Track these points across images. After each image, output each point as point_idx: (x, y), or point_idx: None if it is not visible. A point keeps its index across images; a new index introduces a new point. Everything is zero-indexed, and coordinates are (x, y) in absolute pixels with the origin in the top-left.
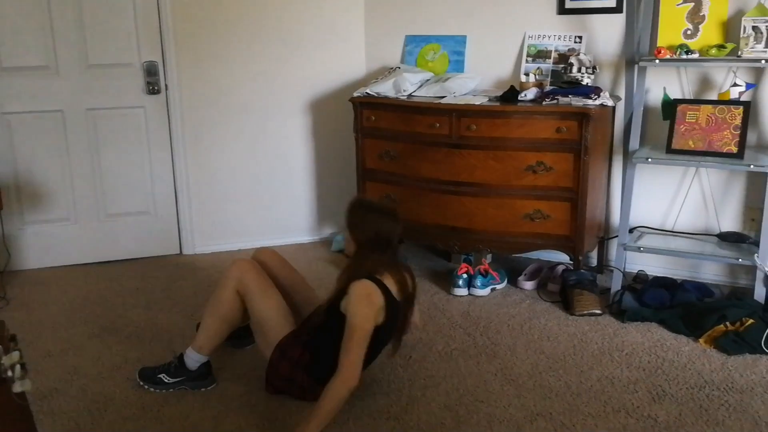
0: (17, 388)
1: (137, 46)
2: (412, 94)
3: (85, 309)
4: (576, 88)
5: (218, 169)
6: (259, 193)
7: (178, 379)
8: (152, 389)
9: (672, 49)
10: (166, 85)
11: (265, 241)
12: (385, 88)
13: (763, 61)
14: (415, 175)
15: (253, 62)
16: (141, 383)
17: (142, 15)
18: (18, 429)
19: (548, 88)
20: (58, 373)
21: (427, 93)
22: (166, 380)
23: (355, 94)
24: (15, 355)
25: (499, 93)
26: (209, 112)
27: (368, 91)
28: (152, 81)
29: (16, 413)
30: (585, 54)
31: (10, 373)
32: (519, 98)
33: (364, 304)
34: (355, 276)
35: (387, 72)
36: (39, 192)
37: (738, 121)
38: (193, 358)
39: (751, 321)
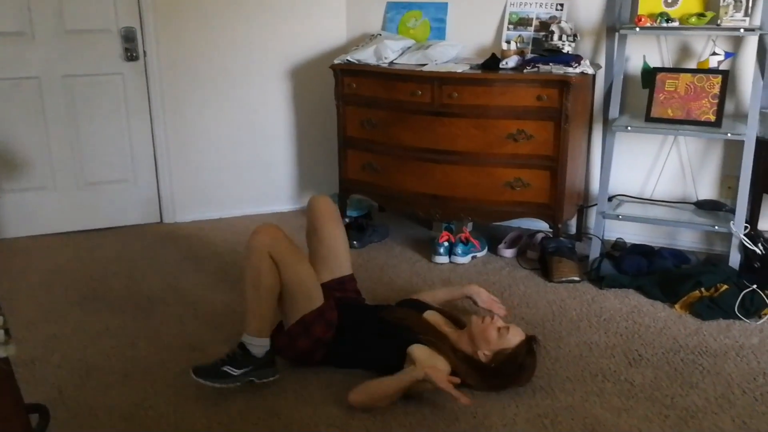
0: (1, 353)
1: (114, 11)
2: (394, 61)
3: (66, 277)
4: (557, 56)
5: (198, 137)
6: (240, 162)
7: (245, 369)
8: (217, 384)
9: (652, 17)
10: (144, 52)
11: (245, 210)
12: (366, 56)
13: (742, 30)
14: (397, 143)
15: (233, 28)
16: (201, 381)
17: None
18: (2, 394)
19: (529, 56)
20: (40, 341)
21: (409, 60)
22: (233, 372)
23: (336, 62)
24: None
25: (481, 61)
26: (189, 79)
27: (349, 58)
28: (130, 47)
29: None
30: (566, 22)
31: None
32: (500, 66)
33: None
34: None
35: (368, 39)
36: (16, 160)
37: (716, 89)
38: (258, 345)
39: (725, 287)
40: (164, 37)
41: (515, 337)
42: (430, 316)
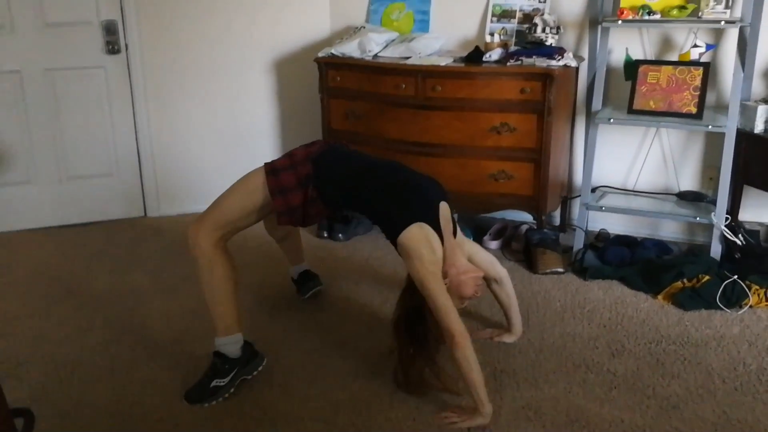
0: None
1: (95, 3)
2: (378, 54)
3: (49, 273)
4: (540, 48)
5: (182, 130)
6: (225, 154)
7: (232, 375)
8: (214, 401)
9: (634, 9)
10: (126, 45)
11: None
12: (350, 49)
13: (722, 23)
14: (381, 136)
15: (216, 21)
16: (198, 404)
17: None
18: None
19: (513, 48)
20: (24, 337)
21: (393, 53)
22: (221, 383)
23: (320, 55)
24: None
25: (464, 53)
26: (172, 72)
27: (333, 51)
28: (111, 40)
29: None
30: (549, 14)
31: None
32: (484, 59)
33: (424, 252)
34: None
35: (352, 32)
36: None
37: (698, 82)
38: (231, 342)
39: (707, 278)
40: (146, 29)
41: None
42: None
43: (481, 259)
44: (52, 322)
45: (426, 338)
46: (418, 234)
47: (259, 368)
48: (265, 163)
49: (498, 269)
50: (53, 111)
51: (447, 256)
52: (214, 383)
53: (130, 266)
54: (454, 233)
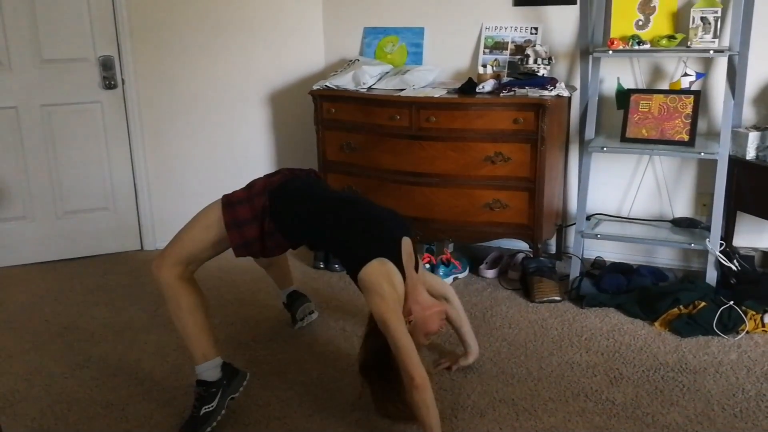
0: None
1: (92, 40)
2: (372, 86)
3: (45, 308)
4: (532, 79)
5: (178, 164)
6: (220, 187)
7: (218, 398)
8: (209, 428)
9: (624, 39)
10: (122, 80)
11: None
12: (344, 81)
13: (711, 52)
14: (376, 167)
15: (211, 55)
16: None
17: (96, 8)
18: None
19: (505, 79)
20: (21, 373)
21: (387, 85)
22: (211, 408)
23: (315, 87)
24: None
25: (458, 85)
26: (168, 106)
27: (328, 83)
28: (108, 75)
29: None
30: (541, 45)
31: None
32: (477, 90)
33: (385, 288)
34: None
35: (346, 64)
36: None
37: (689, 109)
38: (210, 368)
39: (703, 304)
40: (142, 64)
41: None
42: (406, 245)
43: (433, 283)
44: (48, 358)
45: (396, 376)
46: (379, 269)
47: (244, 383)
48: (223, 195)
49: (447, 289)
50: (50, 146)
51: (409, 293)
52: (203, 411)
53: (126, 301)
54: (416, 267)
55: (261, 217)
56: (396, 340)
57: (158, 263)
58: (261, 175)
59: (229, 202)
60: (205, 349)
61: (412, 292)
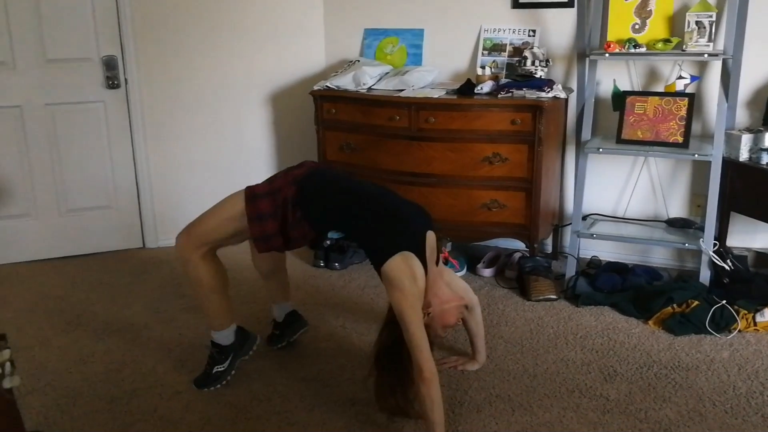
0: (7, 384)
1: (96, 40)
2: (372, 87)
3: (49, 304)
4: (530, 80)
5: (180, 162)
6: (221, 186)
7: (229, 360)
8: (219, 385)
9: (621, 42)
10: (125, 80)
11: None
12: (344, 82)
13: (706, 55)
14: (375, 167)
15: (213, 55)
16: (205, 389)
17: (100, 9)
18: (7, 421)
19: (503, 80)
20: (25, 368)
21: (387, 86)
22: (222, 368)
23: (316, 88)
24: (5, 353)
25: (457, 86)
26: (170, 105)
27: (328, 84)
28: (111, 75)
29: (5, 407)
30: (538, 47)
31: (0, 370)
32: (475, 91)
33: (406, 283)
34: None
35: (346, 65)
36: None
37: (683, 112)
38: (225, 335)
39: (696, 303)
40: (145, 64)
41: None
42: (430, 240)
43: (457, 286)
44: (53, 354)
45: (406, 371)
46: (401, 264)
47: (254, 347)
48: (246, 187)
49: (471, 296)
50: (53, 145)
51: (429, 286)
52: (215, 369)
53: (129, 297)
54: (437, 262)
55: (284, 209)
56: (410, 333)
57: (182, 244)
58: (262, 174)
59: (252, 195)
60: (222, 320)
61: (432, 285)
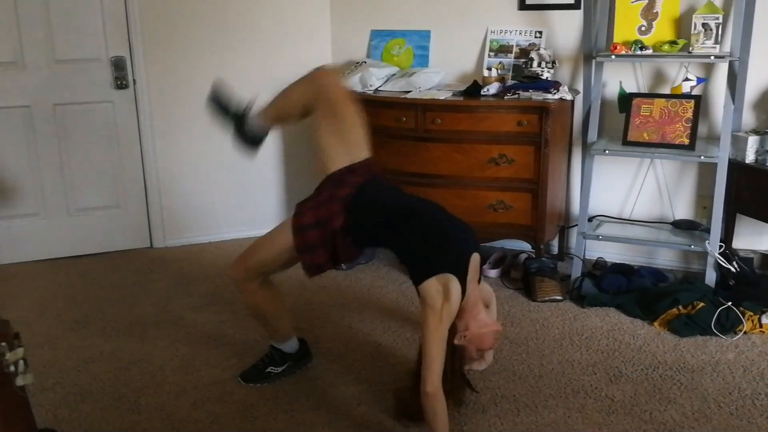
0: (20, 381)
1: (105, 41)
2: (379, 88)
3: (57, 303)
4: (536, 82)
5: (187, 163)
6: (229, 186)
7: (284, 367)
8: (260, 384)
9: (627, 44)
10: (134, 80)
11: (235, 234)
12: (351, 83)
13: (712, 57)
14: (383, 168)
15: (221, 57)
16: (250, 384)
17: (109, 10)
18: (20, 418)
19: (510, 82)
20: (34, 366)
21: (393, 87)
22: (275, 371)
23: None
24: (19, 351)
25: (463, 87)
26: (178, 106)
27: None
28: (120, 76)
29: (18, 404)
30: (545, 49)
31: (13, 368)
32: (482, 93)
33: (438, 303)
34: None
35: (353, 66)
36: (7, 187)
37: (690, 114)
38: (288, 346)
39: (701, 304)
40: (153, 65)
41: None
42: (474, 262)
43: (487, 294)
44: (62, 352)
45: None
46: (437, 287)
47: (308, 365)
48: (294, 216)
49: (491, 297)
50: (62, 145)
51: (469, 309)
52: (269, 369)
53: (136, 297)
54: (479, 281)
55: (333, 238)
56: (427, 346)
57: (239, 276)
58: (269, 173)
59: (299, 227)
60: (283, 334)
61: (472, 309)
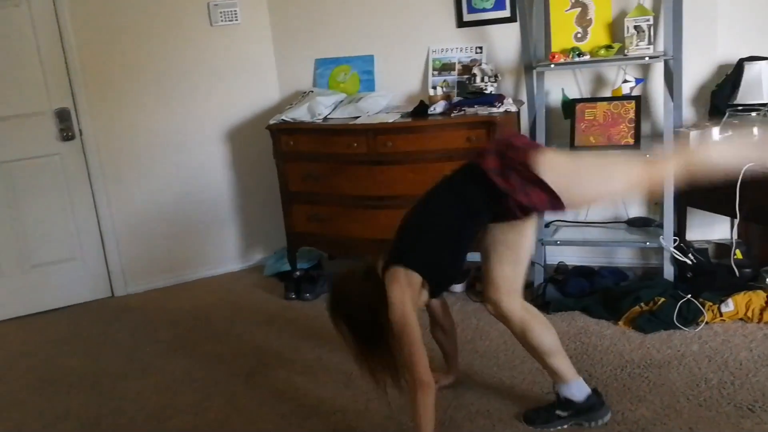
0: None
1: (47, 93)
2: (328, 116)
3: (21, 363)
4: (481, 97)
5: (142, 207)
6: (186, 227)
7: (570, 411)
8: (546, 428)
9: (565, 52)
10: (80, 130)
11: (195, 274)
12: (300, 113)
13: (647, 58)
14: (339, 194)
15: (167, 98)
16: (533, 426)
17: (48, 62)
18: None
19: (455, 99)
20: (3, 429)
21: (342, 114)
22: (562, 414)
23: (272, 122)
24: None
25: (410, 108)
26: (127, 152)
27: (284, 117)
28: (65, 127)
29: None
30: (486, 63)
31: None
32: (429, 112)
33: (398, 289)
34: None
35: (300, 96)
36: None
37: (631, 114)
38: (572, 390)
39: (663, 299)
40: (99, 113)
41: None
42: None
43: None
44: (29, 413)
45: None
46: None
47: (601, 421)
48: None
49: (449, 316)
50: (12, 202)
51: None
52: (557, 412)
53: (100, 348)
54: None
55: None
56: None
57: (496, 300)
58: (226, 210)
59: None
60: (563, 371)
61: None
